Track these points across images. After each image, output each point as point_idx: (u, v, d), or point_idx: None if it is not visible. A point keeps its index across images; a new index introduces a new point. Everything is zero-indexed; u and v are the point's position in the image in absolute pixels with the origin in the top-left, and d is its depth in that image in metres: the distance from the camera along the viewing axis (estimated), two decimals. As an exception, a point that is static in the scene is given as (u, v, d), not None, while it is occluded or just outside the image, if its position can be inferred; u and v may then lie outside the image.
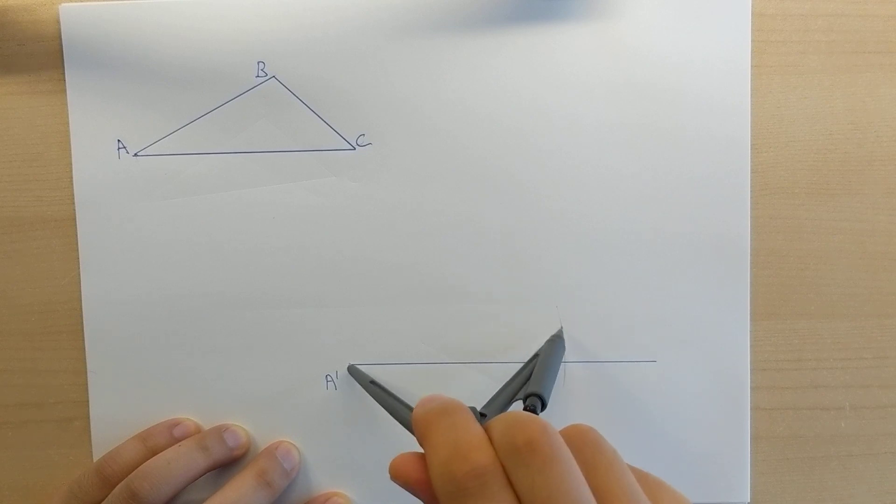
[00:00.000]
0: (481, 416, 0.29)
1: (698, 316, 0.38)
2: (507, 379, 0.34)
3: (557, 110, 0.38)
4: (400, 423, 0.33)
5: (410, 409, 0.34)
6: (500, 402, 0.32)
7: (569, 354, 0.38)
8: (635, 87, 0.38)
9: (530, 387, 0.31)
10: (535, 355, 0.36)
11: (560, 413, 0.38)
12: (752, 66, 0.38)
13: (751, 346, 0.38)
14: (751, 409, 0.39)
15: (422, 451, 0.25)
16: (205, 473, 0.37)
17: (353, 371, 0.39)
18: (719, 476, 0.38)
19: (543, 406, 0.30)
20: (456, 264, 0.38)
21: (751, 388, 0.38)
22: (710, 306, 0.38)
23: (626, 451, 0.38)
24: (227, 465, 0.39)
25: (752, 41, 0.38)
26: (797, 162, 0.38)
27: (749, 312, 0.38)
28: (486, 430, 0.24)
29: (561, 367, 0.38)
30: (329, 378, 0.39)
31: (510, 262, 0.38)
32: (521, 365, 0.36)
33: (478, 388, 0.39)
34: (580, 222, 0.38)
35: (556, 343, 0.37)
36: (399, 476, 0.25)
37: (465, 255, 0.38)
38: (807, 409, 0.39)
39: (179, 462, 0.36)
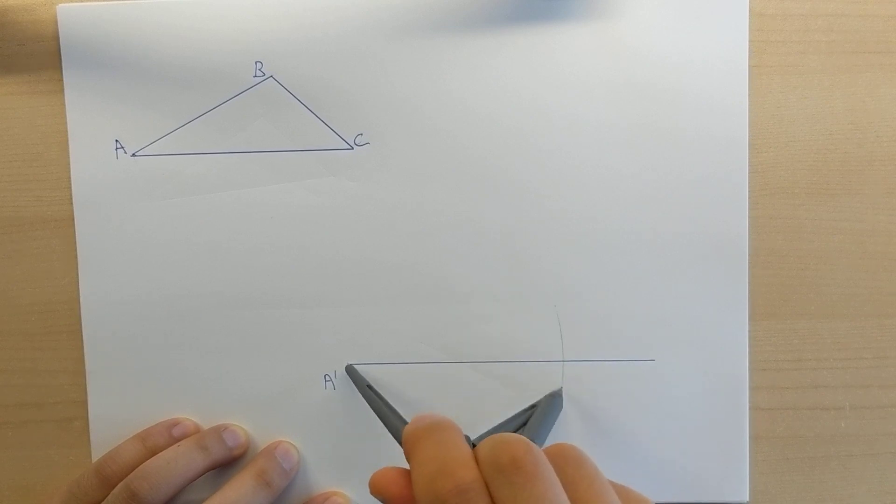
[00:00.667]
0: (473, 446, 0.29)
1: (697, 316, 0.38)
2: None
3: (557, 110, 0.38)
4: (390, 432, 0.33)
5: (402, 420, 0.34)
6: None
7: (568, 353, 0.38)
8: (635, 87, 0.38)
9: (525, 432, 0.32)
10: (533, 406, 0.36)
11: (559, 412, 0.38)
12: (752, 66, 0.38)
13: (751, 346, 0.38)
14: (750, 409, 0.39)
15: (403, 466, 0.26)
16: (204, 473, 0.37)
17: (350, 372, 0.39)
18: (718, 475, 0.38)
19: None
20: (455, 264, 0.38)
21: (750, 388, 0.38)
22: (709, 306, 0.38)
23: (624, 451, 0.38)
24: (226, 465, 0.39)
25: (752, 41, 0.38)
26: (797, 162, 0.38)
27: (748, 312, 0.38)
28: (474, 453, 0.25)
29: (560, 366, 0.38)
30: (328, 378, 0.39)
31: (510, 262, 0.38)
32: (517, 412, 0.36)
33: (477, 389, 0.39)
34: (580, 222, 0.38)
35: (554, 399, 0.37)
36: (379, 491, 0.25)
37: (464, 255, 0.38)
38: (807, 409, 0.39)
39: (179, 462, 0.36)
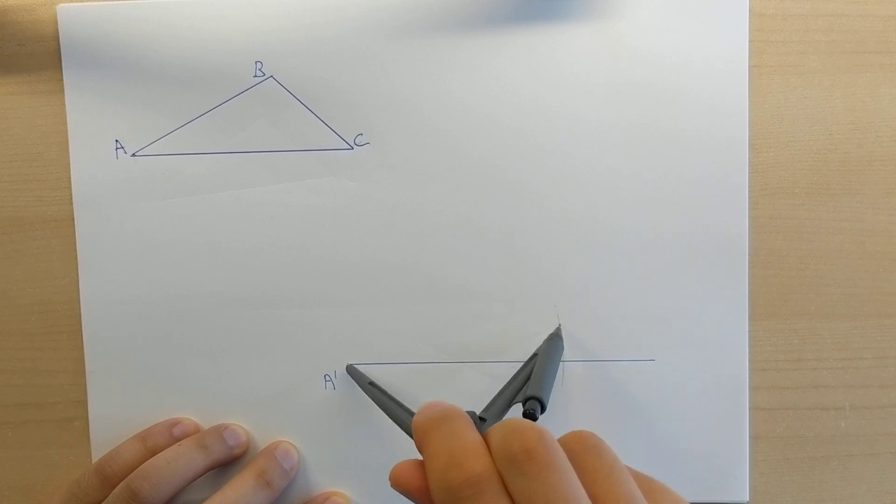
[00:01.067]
0: (481, 420, 0.29)
1: (697, 315, 0.38)
2: (507, 380, 0.34)
3: (557, 110, 0.38)
4: (398, 425, 0.33)
5: (408, 411, 0.34)
6: (500, 405, 0.32)
7: (567, 353, 0.38)
8: (635, 87, 0.38)
9: (529, 390, 0.31)
10: (534, 355, 0.36)
11: (559, 412, 0.38)
12: (752, 66, 0.38)
13: (751, 345, 0.38)
14: (750, 409, 0.39)
15: (412, 459, 0.25)
16: (205, 473, 0.37)
17: (351, 371, 0.39)
18: (718, 475, 0.38)
19: (543, 409, 0.30)
20: (456, 264, 0.38)
21: (751, 388, 0.38)
22: (709, 306, 0.38)
23: (624, 450, 0.38)
24: (226, 465, 0.39)
25: (752, 41, 0.38)
26: (797, 162, 0.38)
27: (748, 312, 0.38)
28: (485, 438, 0.24)
29: (560, 365, 0.38)
30: (328, 378, 0.39)
31: (510, 262, 0.38)
32: (521, 365, 0.36)
33: (477, 388, 0.39)
34: (580, 222, 0.38)
35: (554, 342, 0.37)
36: (399, 484, 0.25)
37: (464, 255, 0.38)
38: (807, 409, 0.39)
39: (179, 461, 0.36)
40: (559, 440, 0.25)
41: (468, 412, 0.27)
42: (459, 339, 0.39)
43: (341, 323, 0.39)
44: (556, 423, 0.38)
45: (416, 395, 0.39)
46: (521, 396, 0.31)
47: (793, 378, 0.39)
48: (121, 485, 0.35)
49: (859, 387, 0.39)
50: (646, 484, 0.24)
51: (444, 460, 0.24)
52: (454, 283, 0.38)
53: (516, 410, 0.30)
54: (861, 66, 0.38)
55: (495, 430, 0.24)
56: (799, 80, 0.38)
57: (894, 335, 0.39)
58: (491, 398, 0.33)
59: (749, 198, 0.38)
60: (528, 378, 0.33)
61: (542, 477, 0.22)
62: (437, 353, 0.39)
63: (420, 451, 0.25)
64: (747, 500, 0.39)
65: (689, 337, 0.38)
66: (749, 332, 0.38)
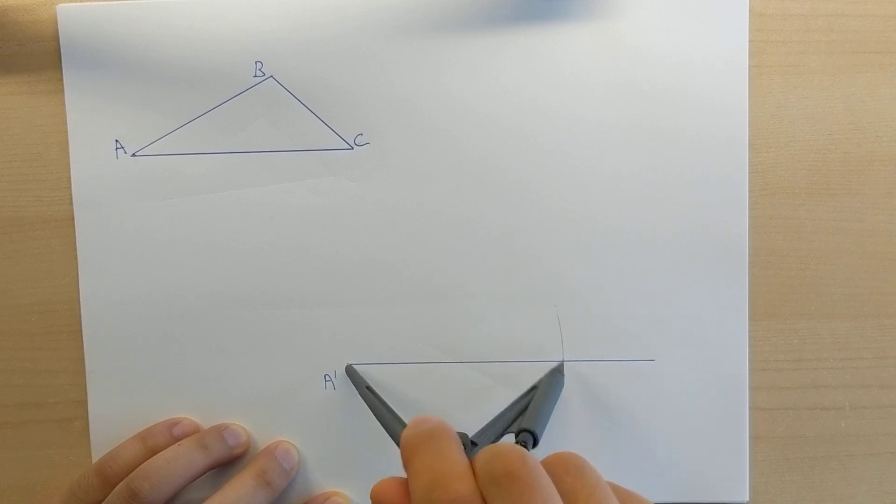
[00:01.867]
0: (473, 444, 0.29)
1: (697, 315, 0.38)
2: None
3: (557, 110, 0.38)
4: (389, 435, 0.33)
5: (400, 422, 0.34)
6: (493, 432, 0.32)
7: (568, 353, 0.38)
8: (635, 87, 0.38)
9: (524, 422, 0.32)
10: (534, 387, 0.36)
11: (558, 413, 0.38)
12: (752, 66, 0.38)
13: (751, 346, 0.38)
14: (750, 409, 0.39)
15: (404, 476, 0.25)
16: (205, 473, 0.37)
17: (350, 372, 0.39)
18: (717, 475, 0.38)
19: (535, 443, 0.30)
20: (455, 264, 0.38)
21: (750, 388, 0.38)
22: (709, 306, 0.38)
23: (624, 451, 0.38)
24: (226, 465, 0.39)
25: (752, 41, 0.38)
26: (797, 162, 0.38)
27: (747, 312, 0.38)
28: (472, 463, 0.25)
29: (560, 365, 0.38)
30: (328, 378, 0.39)
31: (510, 262, 0.38)
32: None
33: (477, 388, 0.39)
34: (580, 222, 0.38)
35: (555, 377, 0.37)
36: (380, 501, 0.25)
37: (464, 255, 0.38)
38: (807, 409, 0.39)
39: (179, 461, 0.36)
40: (542, 462, 0.25)
41: (460, 433, 0.27)
42: (459, 339, 0.39)
43: (341, 323, 0.39)
44: (556, 423, 0.38)
45: (417, 395, 0.39)
46: (515, 427, 0.31)
47: (793, 378, 0.39)
48: (121, 485, 0.35)
49: (859, 387, 0.39)
50: (628, 501, 0.25)
51: (429, 480, 0.24)
52: (455, 283, 0.38)
53: (509, 441, 0.30)
54: (861, 66, 0.38)
55: (480, 455, 0.24)
56: (799, 80, 0.38)
57: (894, 335, 0.39)
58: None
59: (749, 198, 0.38)
60: (524, 409, 0.33)
61: (525, 499, 0.22)
62: (437, 353, 0.39)
63: (405, 467, 0.25)
64: (747, 500, 0.39)
65: (689, 337, 0.38)
66: (749, 332, 0.38)
